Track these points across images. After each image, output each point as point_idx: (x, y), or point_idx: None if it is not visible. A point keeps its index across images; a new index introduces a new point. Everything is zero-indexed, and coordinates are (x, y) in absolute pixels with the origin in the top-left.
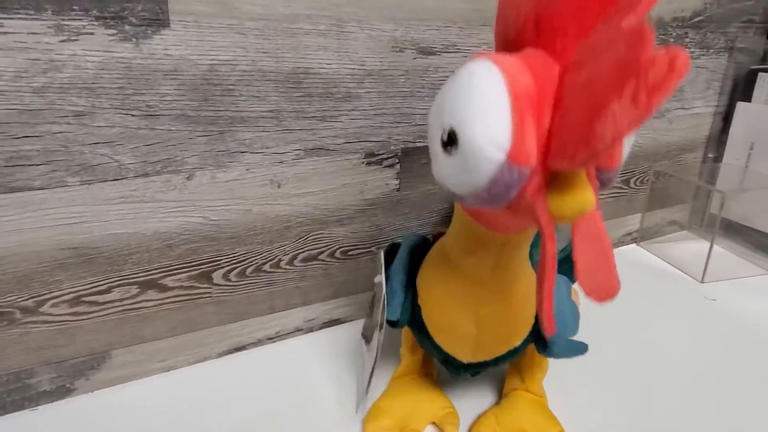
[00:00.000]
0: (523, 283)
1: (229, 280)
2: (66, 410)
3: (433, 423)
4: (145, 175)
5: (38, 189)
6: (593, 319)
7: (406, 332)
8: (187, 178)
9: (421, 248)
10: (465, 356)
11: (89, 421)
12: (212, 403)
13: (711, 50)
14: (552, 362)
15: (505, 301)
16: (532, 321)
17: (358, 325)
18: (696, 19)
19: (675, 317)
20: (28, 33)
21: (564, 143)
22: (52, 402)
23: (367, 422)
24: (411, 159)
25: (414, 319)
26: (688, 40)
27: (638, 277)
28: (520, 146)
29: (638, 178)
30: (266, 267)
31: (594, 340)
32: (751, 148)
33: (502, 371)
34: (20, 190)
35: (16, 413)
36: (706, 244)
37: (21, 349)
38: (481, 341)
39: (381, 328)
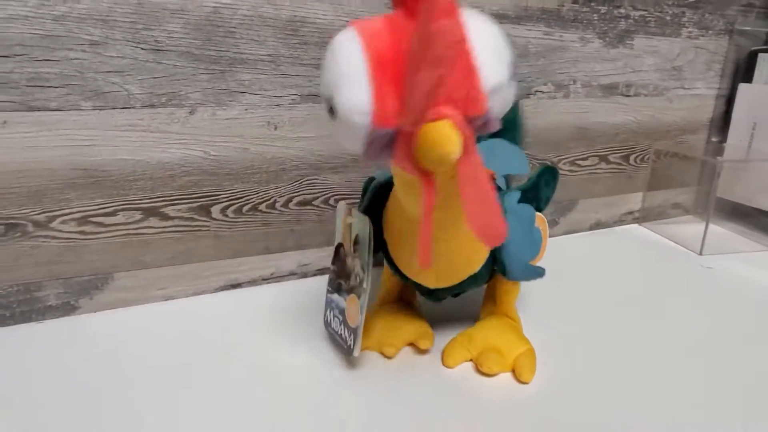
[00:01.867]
0: None
1: (227, 216)
2: (69, 327)
3: (410, 342)
4: (152, 106)
5: (54, 110)
6: (590, 285)
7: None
8: (190, 112)
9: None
10: (427, 282)
11: (90, 341)
12: (206, 336)
13: (710, 31)
14: (550, 323)
15: (454, 238)
16: (487, 249)
17: None
18: None
19: (671, 282)
20: None
21: (405, 103)
22: (57, 317)
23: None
24: None
25: (383, 251)
26: (685, 19)
27: (638, 251)
28: (380, 110)
29: (638, 155)
30: (262, 207)
31: (590, 301)
32: (754, 128)
33: (480, 299)
34: (38, 109)
35: (24, 324)
36: (711, 227)
37: (32, 261)
38: (441, 271)
39: (369, 269)
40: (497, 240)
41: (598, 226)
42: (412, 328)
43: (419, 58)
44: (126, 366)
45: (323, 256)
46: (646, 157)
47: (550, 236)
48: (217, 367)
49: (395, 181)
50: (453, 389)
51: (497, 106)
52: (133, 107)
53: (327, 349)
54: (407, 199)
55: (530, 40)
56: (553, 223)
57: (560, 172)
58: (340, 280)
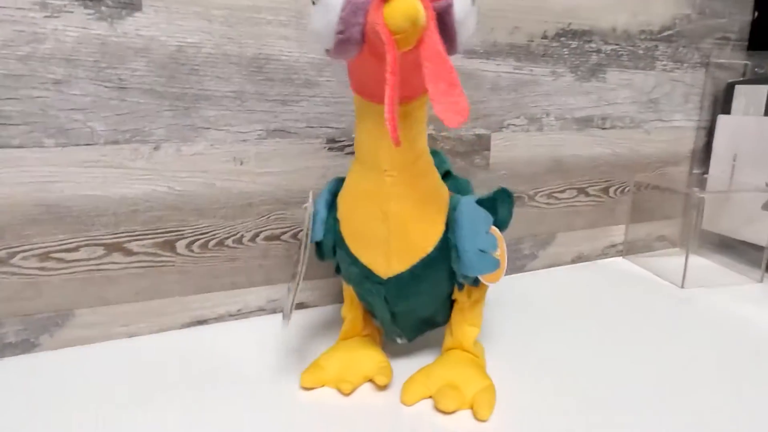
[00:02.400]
0: (428, 181)
1: (192, 251)
2: (28, 364)
3: (369, 378)
4: (115, 142)
5: (17, 147)
6: (569, 315)
7: (346, 290)
8: (154, 148)
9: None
10: (380, 267)
11: (49, 379)
12: (170, 375)
13: (685, 64)
14: (521, 357)
15: (412, 196)
16: (441, 226)
17: (322, 311)
18: (665, 33)
19: (650, 316)
20: (16, 8)
21: None
22: (16, 355)
23: (305, 375)
24: None
25: (337, 238)
26: (659, 53)
27: (618, 284)
28: None
29: (618, 187)
30: (229, 242)
31: (565, 336)
32: (734, 160)
33: (441, 338)
34: (0, 146)
35: None
36: (697, 259)
37: None
38: (393, 244)
39: (305, 247)
40: (461, 117)
41: (580, 259)
42: (370, 363)
43: None
44: (86, 404)
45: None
46: (626, 189)
47: (530, 269)
48: (181, 406)
49: (357, 131)
50: (409, 427)
51: (459, 4)
52: (97, 143)
53: (290, 388)
54: (368, 144)
55: (500, 74)
56: (532, 257)
57: (538, 205)
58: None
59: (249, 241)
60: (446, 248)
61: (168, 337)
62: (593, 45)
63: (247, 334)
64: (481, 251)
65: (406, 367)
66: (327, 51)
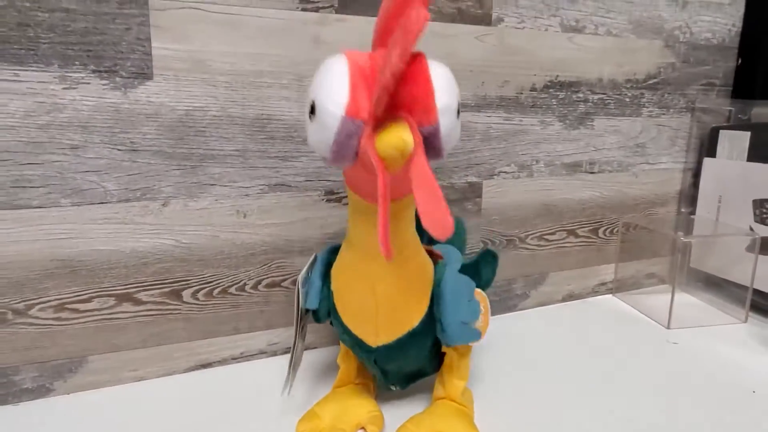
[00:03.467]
0: (415, 263)
1: (198, 299)
2: (44, 408)
3: (361, 427)
4: (127, 200)
5: (36, 207)
6: (557, 356)
7: (342, 341)
8: (163, 204)
9: (337, 249)
10: (369, 337)
11: (64, 421)
12: (176, 415)
13: (671, 110)
14: (511, 397)
15: (399, 277)
16: (426, 301)
17: (321, 353)
18: (650, 82)
19: (634, 357)
20: (38, 81)
21: (374, 101)
22: (32, 399)
23: (300, 423)
24: None
25: (331, 307)
26: (645, 100)
27: (605, 323)
28: (353, 104)
29: (607, 228)
30: (232, 290)
31: (555, 374)
32: (719, 201)
33: (432, 385)
34: (21, 207)
35: (1, 406)
36: (685, 296)
37: (10, 347)
38: (381, 319)
39: (300, 320)
40: (446, 232)
41: (571, 297)
42: (363, 411)
43: (388, 55)
44: None
45: (292, 335)
46: (615, 230)
47: (522, 308)
48: None
49: (350, 218)
50: None
51: (445, 125)
52: (110, 202)
53: (289, 427)
54: (359, 233)
55: (491, 125)
56: (524, 297)
57: (528, 247)
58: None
59: (251, 288)
60: (431, 321)
61: (174, 381)
62: (581, 95)
63: (250, 375)
64: (464, 323)
65: (398, 413)
66: (324, 158)
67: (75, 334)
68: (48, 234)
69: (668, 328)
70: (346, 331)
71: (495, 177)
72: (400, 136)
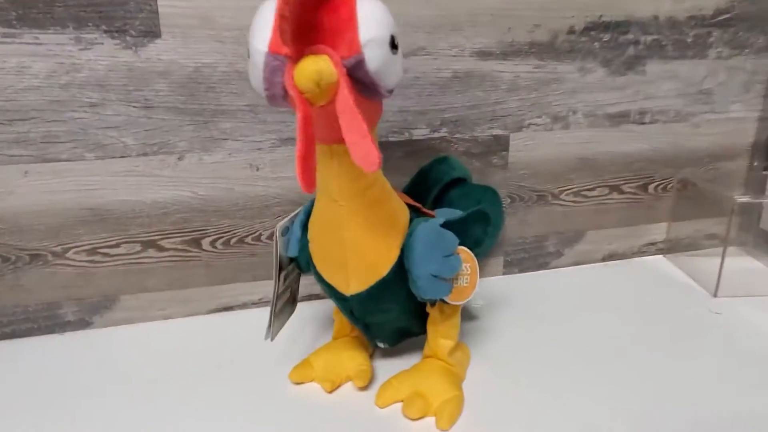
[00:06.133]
0: (384, 209)
1: (216, 248)
2: (85, 339)
3: (350, 379)
4: (145, 154)
5: (64, 161)
6: (576, 322)
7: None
8: (179, 158)
9: None
10: (342, 285)
11: (102, 352)
12: (200, 352)
13: (747, 50)
14: (516, 357)
15: (365, 222)
16: (397, 250)
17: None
18: (720, 18)
19: (669, 326)
20: (56, 44)
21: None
22: (74, 330)
23: (294, 371)
24: (384, 152)
25: (308, 257)
26: (712, 39)
27: (647, 285)
28: (275, 40)
29: (659, 184)
30: (248, 239)
31: (567, 340)
32: None
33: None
34: (51, 161)
35: (48, 335)
36: (748, 261)
37: (52, 285)
38: (350, 267)
39: (280, 268)
40: (372, 165)
41: (612, 257)
42: (353, 365)
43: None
44: (131, 373)
45: (306, 284)
46: (669, 186)
47: (555, 267)
48: (209, 380)
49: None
50: (377, 428)
51: (372, 57)
52: (129, 156)
53: (284, 380)
54: (322, 178)
55: (519, 74)
56: (557, 255)
57: (562, 203)
58: None
59: (267, 238)
60: (402, 272)
61: (197, 321)
62: (630, 36)
63: (266, 320)
64: (434, 276)
65: (389, 368)
66: (264, 99)
67: (107, 276)
68: (77, 185)
69: (715, 296)
70: (321, 279)
71: (524, 129)
72: (314, 67)
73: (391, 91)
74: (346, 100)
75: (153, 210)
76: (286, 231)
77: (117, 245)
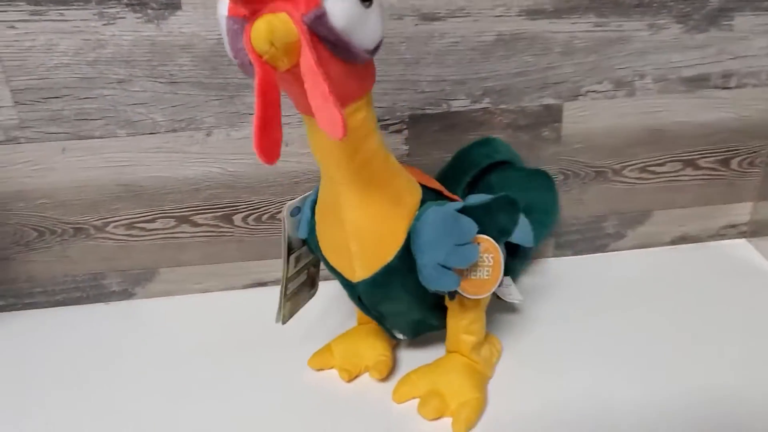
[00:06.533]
0: (388, 189)
1: (248, 224)
2: (128, 309)
3: (368, 369)
4: (174, 130)
5: (98, 138)
6: (636, 303)
7: None
8: (207, 134)
9: None
10: (347, 270)
11: (145, 321)
12: (235, 325)
13: None
14: (553, 351)
15: (366, 203)
16: (402, 235)
17: None
18: None
19: (754, 321)
20: (81, 20)
21: None
22: (118, 300)
23: (314, 356)
24: (420, 125)
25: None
26: None
27: (723, 272)
28: (232, 5)
29: (744, 158)
30: (280, 216)
31: (620, 326)
32: None
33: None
34: (86, 138)
35: (94, 304)
36: None
37: (96, 257)
38: (353, 251)
39: (289, 250)
40: (336, 132)
41: (685, 240)
42: (372, 354)
43: None
44: (169, 342)
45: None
46: (757, 160)
47: (616, 249)
48: (235, 354)
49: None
50: (389, 425)
51: (337, 12)
52: (159, 132)
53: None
54: (318, 157)
55: (575, 34)
56: (617, 237)
57: (625, 180)
58: None
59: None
60: (410, 258)
61: (233, 295)
62: None
63: None
64: (442, 266)
65: (413, 359)
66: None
67: (145, 250)
68: (111, 162)
69: None
70: (328, 264)
71: (580, 97)
72: (267, 26)
73: (371, 52)
74: (307, 60)
75: (184, 186)
76: (296, 211)
77: (153, 220)
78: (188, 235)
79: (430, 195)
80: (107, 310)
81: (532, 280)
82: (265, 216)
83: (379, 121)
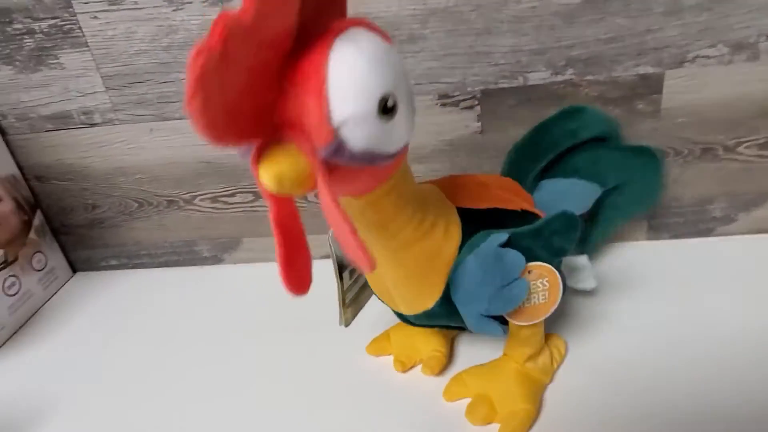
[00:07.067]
0: (419, 248)
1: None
2: (218, 272)
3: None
4: None
5: (177, 119)
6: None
7: None
8: None
9: None
10: (392, 305)
11: (232, 284)
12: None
13: None
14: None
15: (399, 266)
16: (440, 287)
17: None
18: None
19: None
20: (153, 6)
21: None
22: (210, 265)
23: (373, 342)
24: (493, 101)
25: None
26: None
27: None
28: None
29: None
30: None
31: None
32: None
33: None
34: (168, 119)
35: (189, 267)
36: None
37: (187, 226)
38: (395, 295)
39: (338, 269)
40: (365, 268)
41: None
42: (427, 349)
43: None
44: (247, 307)
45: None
46: None
47: (722, 234)
48: (306, 328)
49: None
50: (436, 421)
51: (355, 138)
52: None
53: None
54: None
55: None
56: (726, 221)
57: (740, 158)
58: None
59: None
60: (451, 304)
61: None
62: None
63: None
64: (484, 316)
65: (470, 356)
66: None
67: (229, 221)
68: (192, 141)
69: None
70: (375, 295)
71: (686, 65)
72: (274, 170)
73: (398, 153)
74: (323, 197)
75: None
76: None
77: (233, 195)
78: (265, 209)
79: (472, 226)
80: (200, 273)
81: (617, 264)
82: None
83: (448, 97)
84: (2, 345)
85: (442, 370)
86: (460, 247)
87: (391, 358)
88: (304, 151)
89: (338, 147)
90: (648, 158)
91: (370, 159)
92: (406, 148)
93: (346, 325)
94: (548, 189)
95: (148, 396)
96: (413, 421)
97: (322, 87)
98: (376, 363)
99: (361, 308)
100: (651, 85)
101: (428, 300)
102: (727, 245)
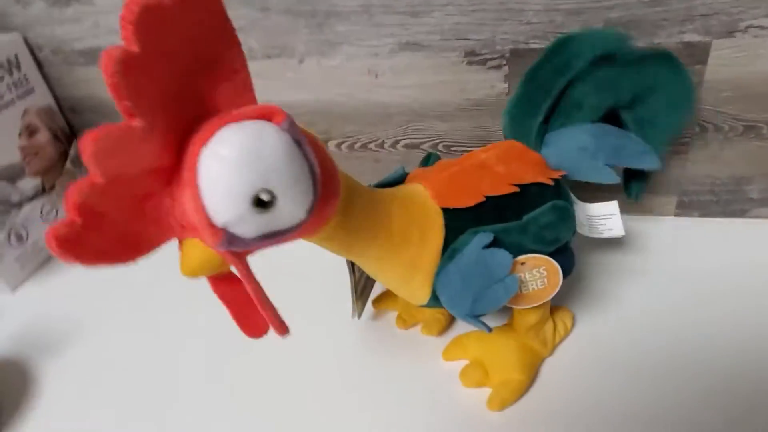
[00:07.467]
0: (398, 265)
1: (341, 150)
2: None
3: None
4: (269, 57)
5: None
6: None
7: None
8: (299, 62)
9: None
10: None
11: None
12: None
13: None
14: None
15: (380, 273)
16: (427, 290)
17: None
18: None
19: None
20: None
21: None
22: None
23: (378, 299)
24: (523, 62)
25: None
26: None
27: None
28: None
29: None
30: (371, 145)
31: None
32: None
33: None
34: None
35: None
36: None
37: None
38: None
39: (350, 263)
40: (281, 334)
41: None
42: (428, 311)
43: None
44: None
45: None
46: None
47: (756, 217)
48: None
49: None
50: (432, 378)
51: (243, 232)
52: (256, 59)
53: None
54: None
55: None
56: (762, 203)
57: None
58: None
59: (390, 146)
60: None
61: None
62: None
63: None
64: (470, 317)
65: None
66: None
67: None
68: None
69: None
70: None
71: (738, 34)
72: (186, 266)
73: (309, 213)
74: (239, 271)
75: None
76: None
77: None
78: None
79: (455, 232)
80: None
81: (641, 240)
82: (358, 144)
83: (475, 54)
84: (41, 268)
85: (441, 332)
86: (445, 247)
87: (392, 314)
88: (207, 244)
89: (231, 240)
90: (662, 58)
91: (271, 238)
92: (323, 204)
93: (358, 317)
94: (555, 144)
95: (177, 323)
96: (412, 375)
97: (197, 196)
98: (378, 317)
99: (368, 299)
100: (695, 54)
101: (420, 299)
102: (760, 228)
